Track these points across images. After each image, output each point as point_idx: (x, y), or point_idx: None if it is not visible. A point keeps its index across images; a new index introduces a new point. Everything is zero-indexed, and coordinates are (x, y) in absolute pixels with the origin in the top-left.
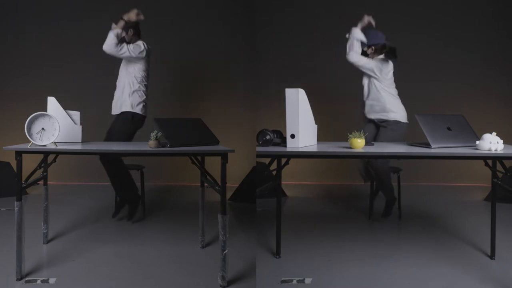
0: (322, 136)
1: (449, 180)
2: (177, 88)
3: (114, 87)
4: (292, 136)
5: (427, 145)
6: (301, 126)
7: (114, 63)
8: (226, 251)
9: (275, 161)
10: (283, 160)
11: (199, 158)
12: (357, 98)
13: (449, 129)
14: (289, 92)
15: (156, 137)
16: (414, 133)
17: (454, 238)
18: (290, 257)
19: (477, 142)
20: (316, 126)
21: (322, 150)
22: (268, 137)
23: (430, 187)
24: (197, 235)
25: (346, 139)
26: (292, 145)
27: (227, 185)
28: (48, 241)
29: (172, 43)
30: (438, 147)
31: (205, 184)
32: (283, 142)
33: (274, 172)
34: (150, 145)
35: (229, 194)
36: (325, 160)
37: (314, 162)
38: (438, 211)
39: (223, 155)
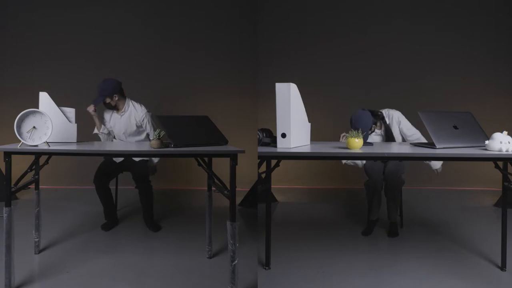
0: (316, 136)
1: (456, 183)
2: (180, 85)
3: None
4: (283, 135)
5: (432, 145)
6: (293, 124)
7: (112, 56)
8: (236, 261)
9: (265, 163)
10: (273, 162)
11: (206, 159)
12: (356, 95)
13: (455, 127)
14: (280, 87)
15: (159, 136)
16: None
17: (461, 247)
18: (280, 268)
19: (487, 142)
20: (309, 124)
21: (315, 151)
22: (256, 136)
23: (434, 191)
24: (204, 244)
25: None
26: (283, 145)
27: (236, 189)
28: (40, 251)
29: (173, 39)
30: (444, 148)
31: (213, 188)
32: (273, 142)
33: (263, 175)
34: (152, 145)
35: (238, 199)
36: (319, 162)
37: (307, 164)
38: (443, 218)
39: (233, 156)
